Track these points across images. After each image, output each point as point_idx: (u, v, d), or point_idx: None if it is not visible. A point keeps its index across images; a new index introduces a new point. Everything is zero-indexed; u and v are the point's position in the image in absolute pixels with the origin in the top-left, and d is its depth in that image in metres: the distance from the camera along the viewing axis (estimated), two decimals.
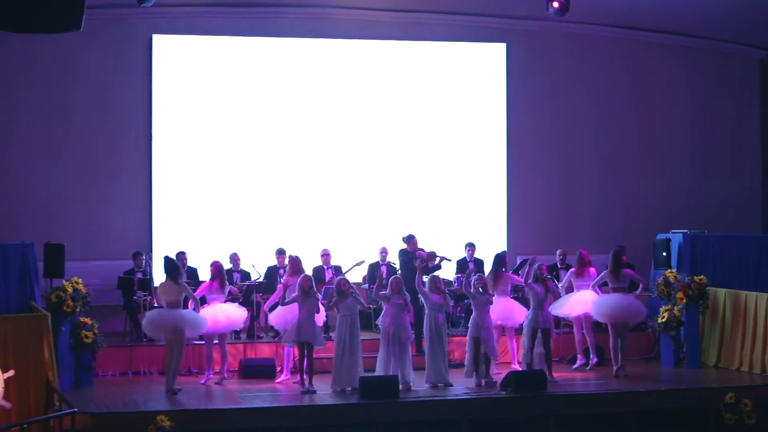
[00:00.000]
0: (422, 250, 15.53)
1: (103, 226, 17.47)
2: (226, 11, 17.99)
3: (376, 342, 14.14)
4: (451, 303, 14.71)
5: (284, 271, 16.20)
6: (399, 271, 15.73)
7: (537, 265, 14.52)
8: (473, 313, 14.08)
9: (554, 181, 19.35)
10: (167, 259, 14.02)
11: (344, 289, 13.69)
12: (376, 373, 13.68)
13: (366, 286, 16.74)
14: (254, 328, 15.69)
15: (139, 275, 15.94)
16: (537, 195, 19.20)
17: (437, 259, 15.70)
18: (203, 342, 14.56)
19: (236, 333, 15.97)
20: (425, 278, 14.54)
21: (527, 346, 14.28)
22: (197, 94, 18.03)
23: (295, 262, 14.62)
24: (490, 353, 13.99)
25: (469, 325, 14.19)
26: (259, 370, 14.68)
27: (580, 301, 15.20)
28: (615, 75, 19.67)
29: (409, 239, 15.70)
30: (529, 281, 14.45)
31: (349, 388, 13.41)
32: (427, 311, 13.97)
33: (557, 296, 14.90)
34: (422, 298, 14.01)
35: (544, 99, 19.31)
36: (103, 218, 17.51)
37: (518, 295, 16.04)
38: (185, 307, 13.73)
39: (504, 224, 19.05)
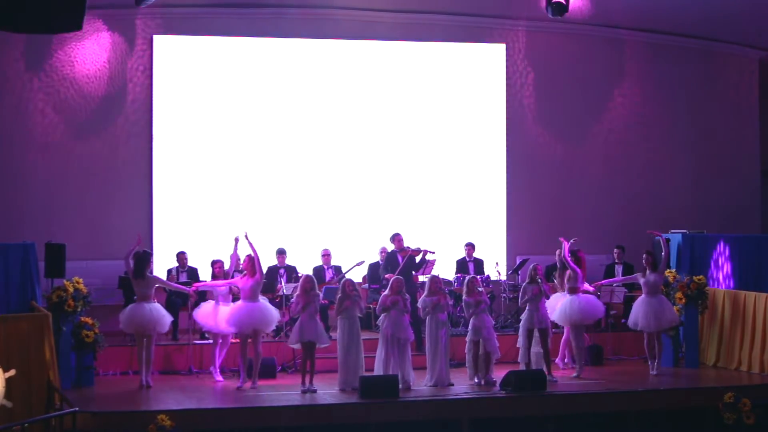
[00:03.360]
0: (408, 248, 15.63)
1: (104, 226, 17.48)
2: (226, 12, 18.01)
3: (376, 342, 14.10)
4: (451, 302, 14.70)
5: (284, 271, 16.24)
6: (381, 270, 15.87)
7: (533, 265, 14.56)
8: (472, 317, 14.04)
9: (553, 182, 19.36)
10: (138, 253, 14.15)
11: (347, 291, 13.71)
12: (375, 373, 13.67)
13: (366, 286, 16.76)
14: None
15: None
16: (536, 195, 19.20)
17: (420, 254, 15.77)
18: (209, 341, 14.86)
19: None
20: (424, 278, 14.52)
21: (524, 345, 14.31)
22: (198, 94, 18.06)
23: (251, 261, 14.03)
24: (491, 351, 13.97)
25: (468, 328, 14.16)
26: (259, 370, 14.65)
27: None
28: (614, 75, 19.68)
29: (393, 237, 15.85)
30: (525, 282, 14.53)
31: (350, 388, 13.42)
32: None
33: (548, 297, 14.88)
34: (420, 304, 14.01)
35: (543, 99, 19.33)
36: (103, 218, 17.53)
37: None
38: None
39: (503, 224, 19.08)
